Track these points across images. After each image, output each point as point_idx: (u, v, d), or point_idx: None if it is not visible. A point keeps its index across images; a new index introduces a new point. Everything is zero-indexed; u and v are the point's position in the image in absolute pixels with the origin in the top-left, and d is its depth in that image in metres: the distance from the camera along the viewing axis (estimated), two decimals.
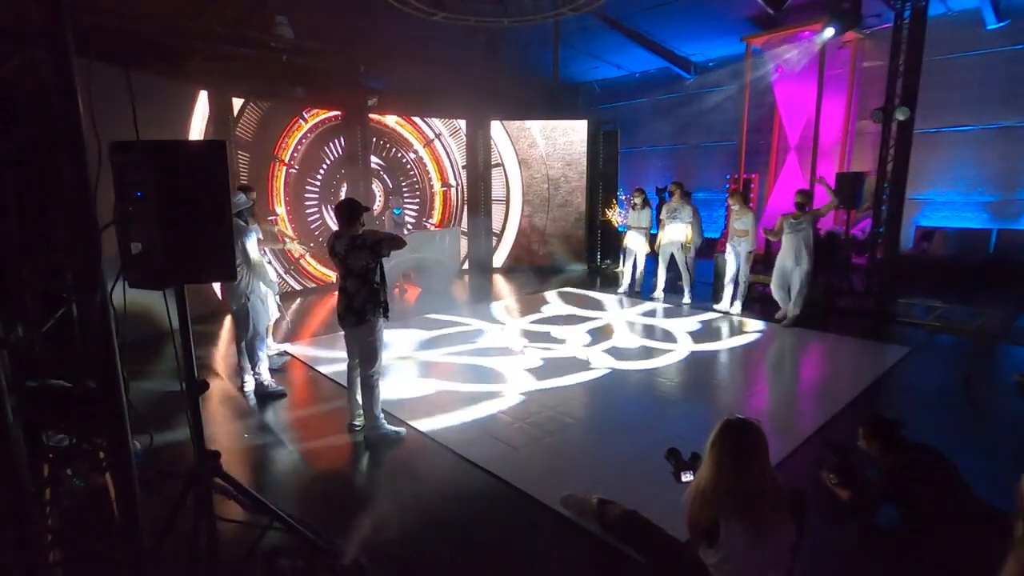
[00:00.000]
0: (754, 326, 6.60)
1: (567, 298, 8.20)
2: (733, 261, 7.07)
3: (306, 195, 8.39)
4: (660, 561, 2.35)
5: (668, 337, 6.18)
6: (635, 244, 8.16)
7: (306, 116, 8.27)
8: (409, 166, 9.62)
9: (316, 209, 8.52)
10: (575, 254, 10.38)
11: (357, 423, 3.92)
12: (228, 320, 6.28)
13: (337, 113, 8.64)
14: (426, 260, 8.38)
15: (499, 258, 10.54)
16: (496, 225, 10.41)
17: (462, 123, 10.04)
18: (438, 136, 9.81)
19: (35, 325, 1.68)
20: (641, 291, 8.25)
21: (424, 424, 4.00)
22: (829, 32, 7.91)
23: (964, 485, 2.64)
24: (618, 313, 7.31)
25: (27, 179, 1.63)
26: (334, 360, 5.16)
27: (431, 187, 9.85)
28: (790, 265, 6.39)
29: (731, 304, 7.16)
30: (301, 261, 8.49)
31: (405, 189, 9.60)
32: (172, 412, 3.96)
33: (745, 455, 1.88)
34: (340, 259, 3.64)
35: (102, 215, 1.67)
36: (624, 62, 12.21)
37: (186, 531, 2.34)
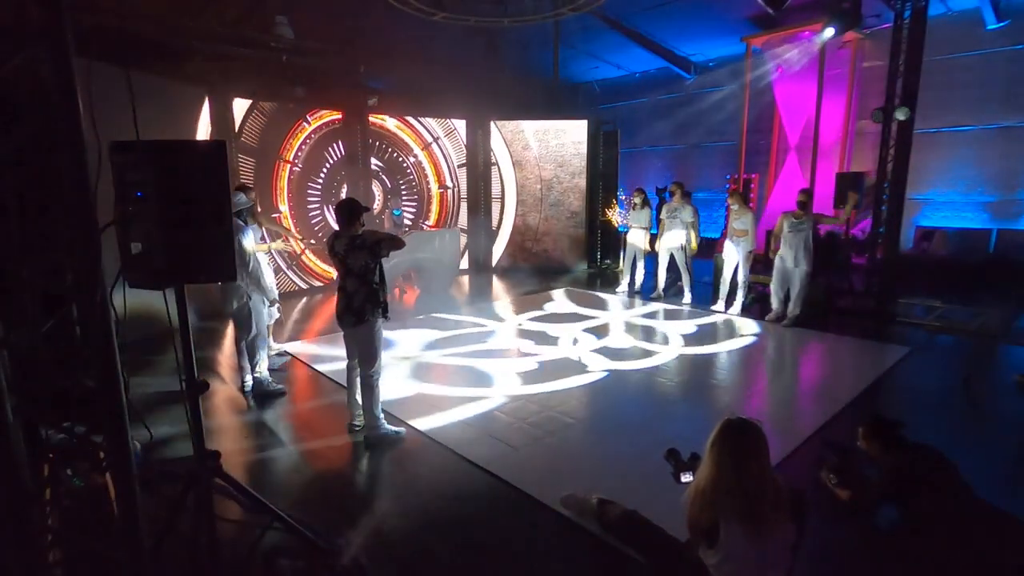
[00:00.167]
0: (754, 326, 6.59)
1: (567, 298, 8.20)
2: (732, 261, 7.07)
3: (308, 194, 8.46)
4: (660, 561, 2.35)
5: (666, 338, 6.18)
6: (635, 244, 8.17)
7: (310, 119, 8.34)
8: (408, 168, 9.71)
9: (318, 208, 8.59)
10: (570, 253, 10.40)
11: (357, 423, 3.92)
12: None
13: (339, 116, 8.68)
14: (426, 260, 8.38)
15: (495, 257, 10.59)
16: (492, 223, 10.51)
17: (457, 123, 10.07)
18: (436, 139, 9.90)
19: (35, 325, 1.67)
20: (641, 291, 8.26)
21: (424, 424, 4.00)
22: (829, 32, 7.91)
23: (964, 485, 2.64)
24: (617, 313, 7.31)
25: (27, 179, 1.63)
26: (334, 360, 5.16)
27: (428, 189, 9.95)
28: (790, 266, 6.39)
29: (727, 305, 7.16)
30: (303, 257, 8.51)
31: (404, 190, 9.66)
32: (173, 412, 3.96)
33: (745, 455, 1.88)
34: (340, 259, 3.64)
35: (102, 215, 1.67)
36: (624, 62, 12.21)
37: (186, 531, 2.35)
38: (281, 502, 2.92)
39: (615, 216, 9.89)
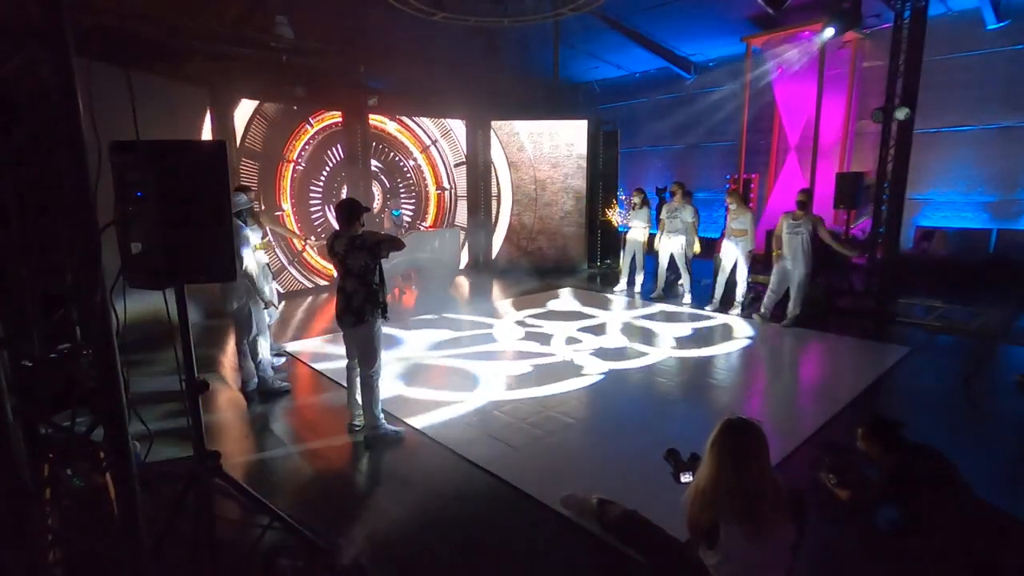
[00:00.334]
0: (753, 326, 6.59)
1: (566, 297, 8.20)
2: (730, 261, 7.07)
3: (310, 194, 8.55)
4: (660, 561, 2.35)
5: (665, 338, 6.18)
6: (634, 244, 8.18)
7: (312, 121, 8.44)
8: (407, 170, 9.81)
9: (319, 207, 8.69)
10: (565, 252, 10.46)
11: (357, 423, 3.92)
12: None
13: (341, 118, 8.75)
14: (426, 260, 8.38)
15: (492, 255, 10.67)
16: (492, 223, 10.62)
17: (452, 124, 10.13)
18: (434, 142, 10.00)
19: (35, 325, 1.67)
20: (641, 292, 8.26)
21: (424, 424, 4.00)
22: (829, 32, 7.91)
23: (964, 485, 2.64)
24: (616, 313, 7.31)
25: (27, 179, 1.63)
26: (334, 359, 5.16)
27: (426, 190, 10.06)
28: (789, 267, 6.38)
29: (727, 306, 7.16)
30: (304, 254, 8.55)
31: (403, 191, 9.74)
32: (173, 411, 3.96)
33: (745, 455, 1.88)
34: (339, 259, 3.64)
35: (102, 215, 1.67)
36: (624, 62, 12.20)
37: (186, 531, 2.35)
38: (281, 502, 2.92)
39: (615, 216, 9.89)
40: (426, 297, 8.22)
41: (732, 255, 7.02)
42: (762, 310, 6.70)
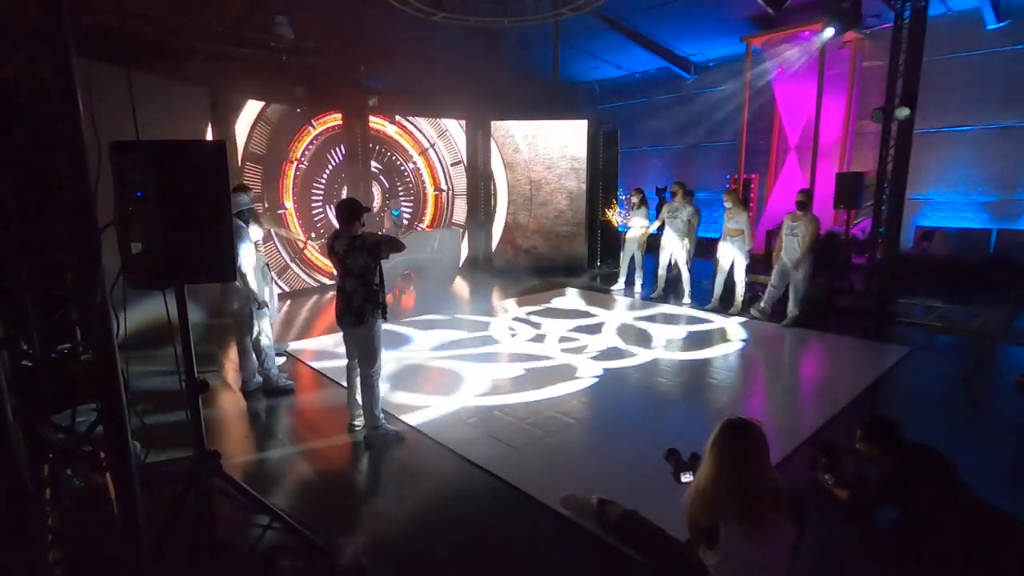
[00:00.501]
0: (753, 326, 6.59)
1: (567, 297, 8.20)
2: (727, 261, 7.07)
3: (312, 193, 8.65)
4: (660, 561, 2.35)
5: (665, 338, 6.18)
6: (632, 243, 8.19)
7: (314, 123, 8.54)
8: (406, 173, 9.94)
9: (320, 206, 8.78)
10: (560, 251, 10.53)
11: (357, 423, 3.92)
12: None
13: (342, 121, 8.84)
14: (426, 260, 8.38)
15: (492, 255, 10.74)
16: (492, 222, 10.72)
17: (448, 124, 10.20)
18: (432, 145, 10.13)
19: (35, 325, 1.67)
20: (641, 292, 8.26)
21: (424, 424, 4.00)
22: (829, 32, 7.91)
23: (964, 485, 2.64)
24: (615, 313, 7.31)
25: (27, 179, 1.63)
26: (334, 359, 5.16)
27: (424, 191, 10.21)
28: (789, 266, 6.38)
29: (726, 306, 7.16)
30: (305, 251, 8.62)
31: (401, 191, 9.85)
32: (173, 411, 3.96)
33: (745, 455, 1.88)
34: (339, 259, 3.64)
35: (102, 215, 1.67)
36: (624, 62, 12.21)
37: (186, 531, 2.35)
38: (281, 502, 2.93)
39: (615, 216, 9.90)
40: (426, 297, 8.22)
41: (729, 255, 7.03)
42: (762, 304, 6.68)
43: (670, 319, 6.98)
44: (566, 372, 5.03)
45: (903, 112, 6.86)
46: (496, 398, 4.47)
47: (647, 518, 2.48)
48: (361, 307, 3.61)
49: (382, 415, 3.82)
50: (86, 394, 1.75)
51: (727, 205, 7.03)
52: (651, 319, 6.98)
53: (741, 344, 5.96)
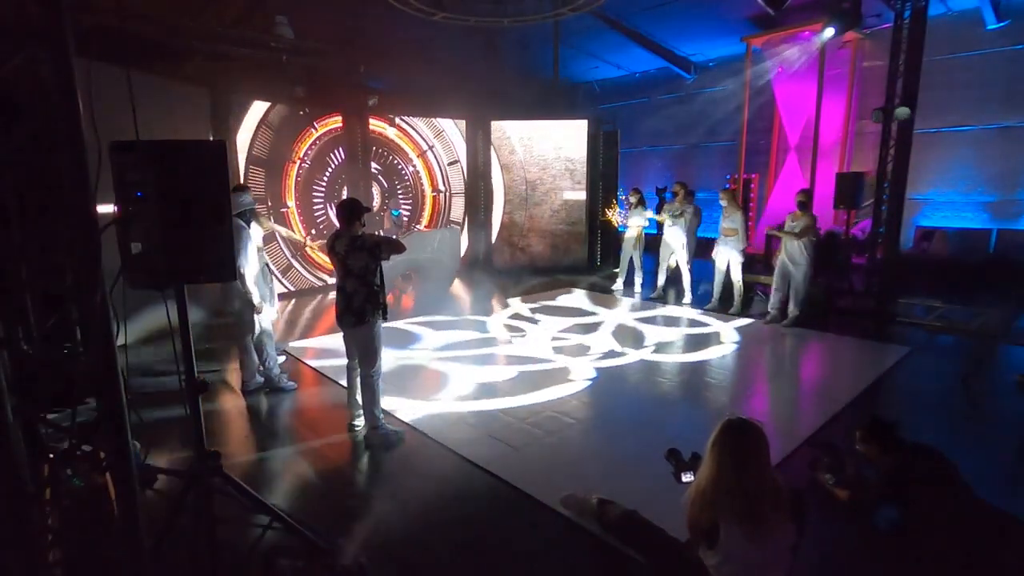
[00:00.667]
0: (753, 326, 6.59)
1: (568, 297, 8.20)
2: (723, 261, 7.07)
3: (313, 193, 8.75)
4: (660, 561, 2.35)
5: (665, 338, 6.18)
6: (629, 243, 8.20)
7: (316, 125, 8.65)
8: (406, 175, 10.06)
9: (321, 206, 8.89)
10: (556, 250, 10.62)
11: (357, 423, 3.92)
12: None
13: (342, 121, 8.92)
14: (426, 260, 8.39)
15: (491, 254, 10.83)
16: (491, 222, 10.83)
17: (445, 125, 10.27)
18: (431, 147, 10.23)
19: (35, 325, 1.67)
20: (641, 292, 8.26)
21: (424, 424, 4.01)
22: (829, 32, 7.91)
23: (964, 485, 2.64)
24: (615, 313, 7.31)
25: (27, 179, 1.63)
26: (334, 359, 5.16)
27: (423, 192, 10.33)
28: (790, 267, 6.37)
29: (725, 306, 7.16)
30: (307, 250, 8.69)
31: (400, 192, 9.94)
32: (173, 411, 3.95)
33: (745, 455, 1.88)
34: (340, 259, 3.64)
35: (102, 215, 1.67)
36: (624, 62, 12.20)
37: (186, 531, 2.35)
38: (281, 502, 2.93)
39: (615, 216, 9.89)
40: (426, 297, 8.22)
41: (725, 256, 7.04)
42: (770, 311, 6.62)
43: (670, 319, 6.98)
44: (566, 372, 5.04)
45: (903, 112, 6.86)
46: (496, 397, 4.47)
47: (647, 518, 2.48)
48: (362, 307, 3.61)
49: (382, 415, 3.82)
50: (86, 394, 1.75)
51: (723, 204, 7.04)
52: (651, 319, 6.98)
53: (741, 344, 5.96)
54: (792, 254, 6.30)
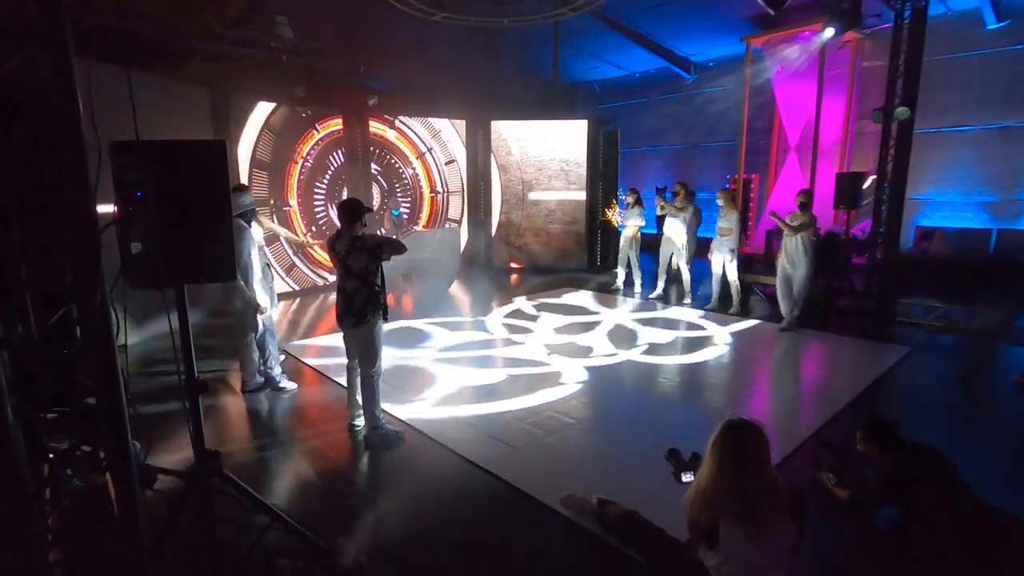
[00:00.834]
0: (752, 326, 6.59)
1: (567, 297, 8.20)
2: (719, 261, 7.07)
3: (315, 192, 8.86)
4: (660, 561, 2.35)
5: (664, 338, 6.18)
6: (627, 242, 8.21)
7: (318, 127, 8.75)
8: (406, 177, 10.17)
9: (323, 205, 8.99)
10: (551, 249, 10.71)
11: (357, 423, 3.92)
12: None
13: (342, 123, 9.01)
14: (426, 260, 8.39)
15: (491, 254, 10.93)
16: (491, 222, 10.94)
17: (441, 125, 10.34)
18: (430, 150, 10.33)
19: (35, 325, 1.67)
20: (641, 292, 8.26)
21: (424, 424, 4.00)
22: (829, 32, 7.91)
23: (964, 485, 2.64)
24: (614, 313, 7.31)
25: (27, 179, 1.63)
26: (334, 359, 5.16)
27: (421, 193, 10.45)
28: (789, 269, 6.33)
29: (724, 305, 7.17)
30: (307, 247, 8.75)
31: (399, 192, 10.03)
32: (173, 411, 3.96)
33: (746, 455, 1.88)
34: (340, 259, 3.64)
35: (102, 215, 1.67)
36: (624, 62, 12.20)
37: (186, 531, 2.35)
38: (281, 502, 2.93)
39: (615, 216, 9.90)
40: (426, 297, 8.22)
41: (720, 256, 7.03)
42: (784, 321, 6.42)
43: (669, 319, 6.98)
44: (566, 372, 5.03)
45: (903, 112, 6.86)
46: (496, 397, 4.47)
47: (647, 518, 2.48)
48: (362, 308, 3.61)
49: (382, 415, 3.82)
50: (86, 394, 1.75)
51: (720, 204, 7.04)
52: (650, 319, 6.98)
53: (741, 344, 5.96)
54: (792, 255, 6.28)
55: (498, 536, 2.82)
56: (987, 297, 6.77)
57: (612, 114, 11.91)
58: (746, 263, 8.58)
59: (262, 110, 7.93)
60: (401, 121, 9.88)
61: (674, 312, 7.33)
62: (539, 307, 7.59)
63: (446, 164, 10.54)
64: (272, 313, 4.75)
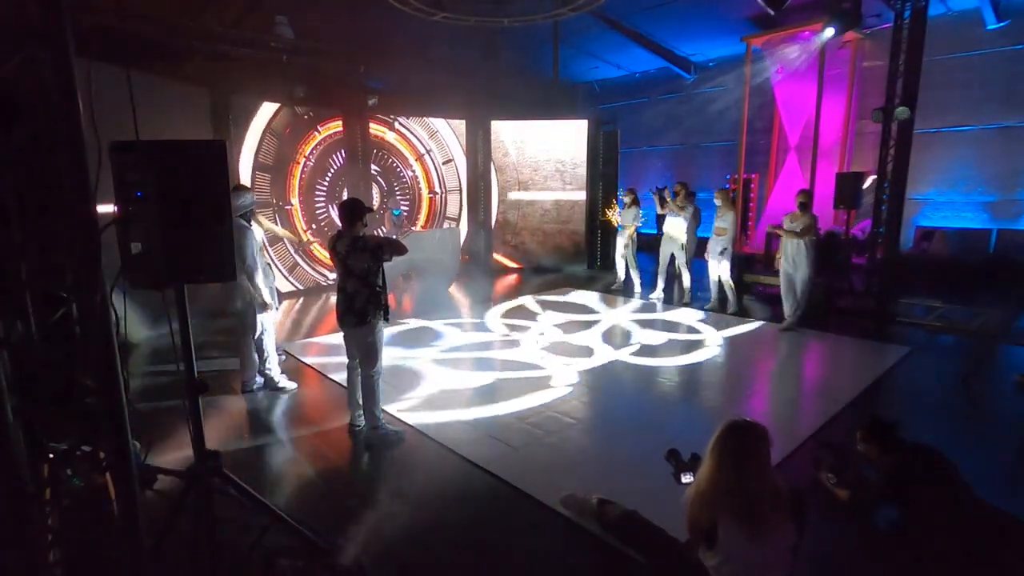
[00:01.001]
0: (753, 326, 6.59)
1: (567, 297, 8.20)
2: (714, 262, 7.07)
3: (316, 192, 8.91)
4: (660, 561, 2.35)
5: (664, 337, 6.18)
6: (623, 243, 8.22)
7: (320, 128, 8.81)
8: (405, 178, 10.24)
9: (323, 205, 9.04)
10: (547, 249, 10.79)
11: (357, 423, 3.92)
12: None
13: (342, 123, 9.06)
14: (426, 260, 8.39)
15: (491, 254, 10.97)
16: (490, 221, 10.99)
17: (438, 125, 10.38)
18: (428, 151, 10.39)
19: (35, 325, 1.67)
20: (641, 292, 8.26)
21: (424, 424, 4.00)
22: (829, 32, 7.91)
23: (964, 485, 2.64)
24: (613, 313, 7.31)
25: (27, 179, 1.63)
26: (334, 359, 5.16)
27: (420, 194, 10.53)
28: (791, 270, 6.32)
29: (723, 305, 7.17)
30: (309, 246, 8.80)
31: (398, 193, 10.09)
32: (173, 411, 3.96)
33: (746, 456, 1.88)
34: (341, 259, 3.63)
35: (102, 215, 1.67)
36: (624, 62, 12.20)
37: (186, 531, 2.35)
38: (281, 502, 2.93)
39: (615, 216, 9.90)
40: (426, 297, 8.22)
41: (715, 256, 7.04)
42: (785, 321, 6.42)
43: (669, 318, 6.98)
44: (566, 373, 5.03)
45: (903, 112, 6.86)
46: (496, 397, 4.47)
47: (647, 518, 2.48)
48: (363, 308, 3.61)
49: (382, 415, 3.82)
50: (86, 394, 1.75)
51: (717, 203, 7.05)
52: (650, 319, 6.98)
53: (741, 344, 5.96)
54: (792, 256, 6.26)
55: (498, 536, 2.82)
56: (987, 297, 6.78)
57: (612, 114, 11.92)
58: (746, 263, 8.58)
59: (264, 113, 7.96)
60: (401, 123, 9.92)
61: (674, 312, 7.32)
62: (539, 307, 7.59)
63: (443, 164, 10.61)
64: (274, 313, 4.75)
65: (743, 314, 7.02)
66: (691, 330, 6.48)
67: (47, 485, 1.74)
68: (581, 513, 2.81)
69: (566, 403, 4.38)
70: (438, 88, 9.90)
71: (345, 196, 8.12)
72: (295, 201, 8.59)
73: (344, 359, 3.98)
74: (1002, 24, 8.31)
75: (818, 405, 4.42)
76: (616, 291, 8.45)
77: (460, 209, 10.88)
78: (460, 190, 10.84)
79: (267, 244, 7.69)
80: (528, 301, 7.97)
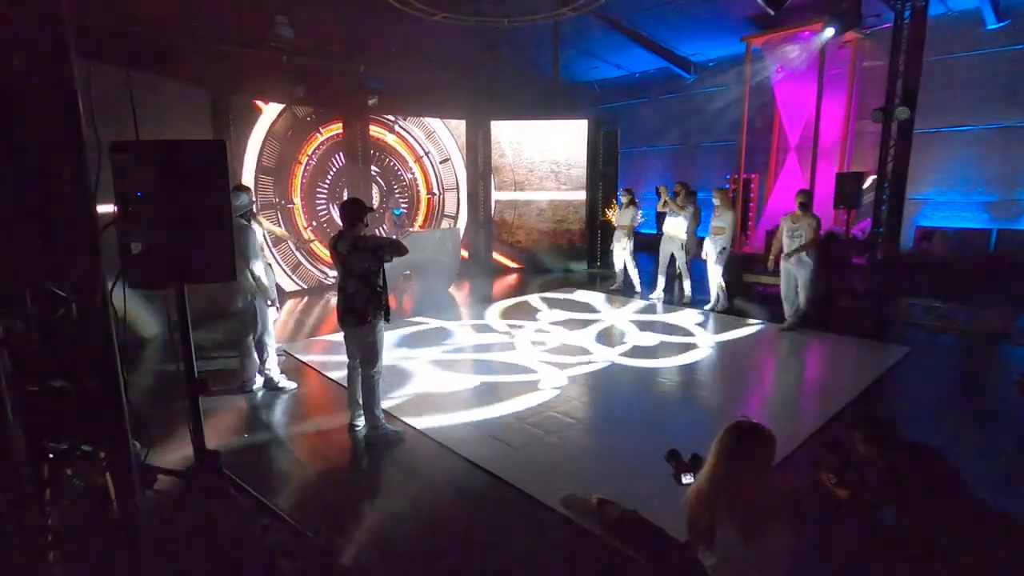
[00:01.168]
0: (753, 326, 6.59)
1: (566, 297, 8.20)
2: (711, 260, 7.06)
3: (317, 192, 8.98)
4: (660, 561, 2.35)
5: (664, 337, 6.17)
6: (621, 243, 8.22)
7: (321, 130, 8.88)
8: (404, 179, 10.30)
9: (324, 205, 9.12)
10: (544, 248, 10.87)
11: (358, 423, 3.92)
12: None
13: (342, 124, 9.10)
14: (427, 260, 8.40)
15: (491, 254, 11.02)
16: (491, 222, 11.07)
17: (435, 125, 10.42)
18: (427, 153, 10.45)
19: (35, 325, 1.67)
20: (641, 291, 8.26)
21: (424, 424, 4.00)
22: (829, 32, 7.91)
23: (964, 485, 2.64)
24: (613, 313, 7.31)
25: (27, 179, 1.63)
26: (335, 359, 5.16)
27: (418, 194, 10.60)
28: (792, 271, 6.30)
29: (716, 304, 7.18)
30: (309, 243, 8.83)
31: (398, 193, 10.14)
32: (173, 411, 3.96)
33: (746, 457, 1.88)
34: (342, 259, 3.63)
35: (102, 215, 1.67)
36: (624, 62, 12.19)
37: (186, 531, 2.35)
38: (281, 502, 2.93)
39: (614, 216, 9.91)
40: (426, 297, 8.22)
41: (713, 255, 7.04)
42: (786, 321, 6.41)
43: (668, 319, 6.98)
44: (566, 372, 5.03)
45: (903, 112, 6.85)
46: (497, 397, 4.47)
47: (647, 519, 2.48)
48: (364, 308, 3.61)
49: (383, 415, 3.82)
50: (86, 394, 1.75)
51: (715, 203, 7.05)
52: (650, 319, 6.98)
53: (741, 344, 5.96)
54: (796, 257, 6.24)
55: (498, 536, 2.82)
56: (987, 297, 6.77)
57: (612, 114, 11.92)
58: (746, 263, 8.57)
59: (267, 117, 8.02)
60: (400, 126, 9.95)
61: (674, 311, 7.32)
62: (540, 307, 7.59)
63: (441, 163, 10.67)
64: (274, 313, 4.76)
65: (742, 314, 7.01)
66: (691, 331, 6.48)
67: (47, 485, 1.74)
68: (581, 513, 2.81)
69: (566, 403, 4.38)
70: (438, 88, 9.91)
71: (346, 196, 8.14)
72: (297, 200, 8.65)
73: (344, 358, 3.98)
74: (1002, 24, 8.31)
75: (818, 405, 4.42)
76: (616, 291, 8.45)
77: (457, 207, 10.94)
78: (457, 188, 10.89)
79: (270, 244, 7.71)
80: (533, 299, 7.97)
